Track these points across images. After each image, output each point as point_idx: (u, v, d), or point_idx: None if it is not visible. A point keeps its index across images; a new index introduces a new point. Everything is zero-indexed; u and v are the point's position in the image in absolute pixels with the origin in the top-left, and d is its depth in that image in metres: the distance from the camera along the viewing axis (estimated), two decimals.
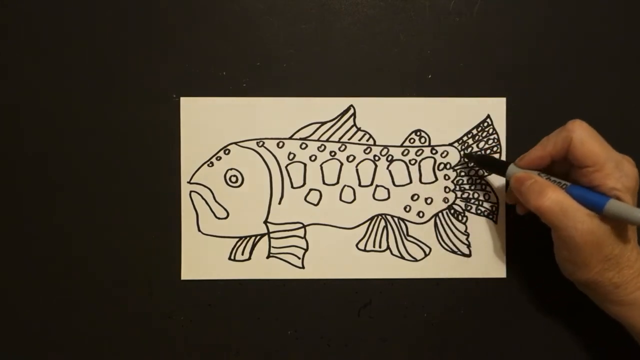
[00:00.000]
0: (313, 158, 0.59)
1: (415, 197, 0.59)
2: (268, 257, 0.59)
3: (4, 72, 0.58)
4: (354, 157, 0.59)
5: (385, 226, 0.59)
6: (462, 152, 0.59)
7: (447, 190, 0.60)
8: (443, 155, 0.59)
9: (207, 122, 0.58)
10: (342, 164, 0.59)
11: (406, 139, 0.59)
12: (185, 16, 0.58)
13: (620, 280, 0.47)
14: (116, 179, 0.58)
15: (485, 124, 0.59)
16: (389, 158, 0.59)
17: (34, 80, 0.58)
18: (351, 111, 0.59)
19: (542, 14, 0.59)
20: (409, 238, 0.59)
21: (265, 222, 0.59)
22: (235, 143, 0.59)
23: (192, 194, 0.58)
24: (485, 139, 0.59)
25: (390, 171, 0.59)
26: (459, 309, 0.59)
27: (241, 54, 0.58)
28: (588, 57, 0.59)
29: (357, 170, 0.59)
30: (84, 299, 0.58)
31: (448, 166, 0.59)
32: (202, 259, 0.59)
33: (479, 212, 0.59)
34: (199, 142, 0.58)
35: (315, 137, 0.59)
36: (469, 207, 0.59)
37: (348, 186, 0.59)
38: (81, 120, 0.58)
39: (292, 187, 0.59)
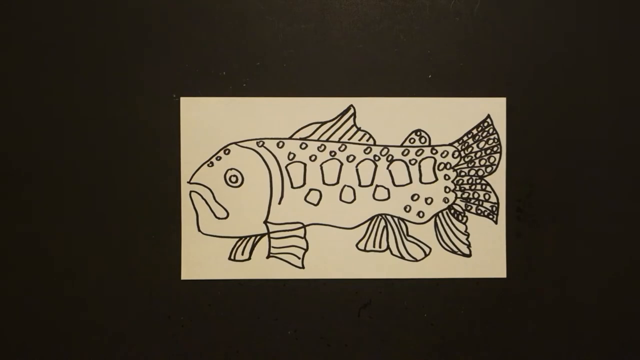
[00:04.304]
0: (313, 158, 0.59)
1: (415, 197, 0.59)
2: (268, 257, 0.59)
3: (4, 72, 0.58)
4: (354, 157, 0.59)
5: (385, 226, 0.59)
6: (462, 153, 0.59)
7: (447, 190, 0.59)
8: (443, 155, 0.59)
9: (207, 122, 0.58)
10: (342, 164, 0.59)
11: (406, 139, 0.59)
12: (185, 16, 0.58)
13: None
14: (116, 178, 0.58)
15: (485, 124, 0.59)
16: (389, 158, 0.59)
17: (34, 80, 0.58)
18: (351, 111, 0.59)
19: (542, 14, 0.59)
20: (409, 238, 0.59)
21: (265, 222, 0.59)
22: (235, 143, 0.59)
23: (192, 194, 0.58)
24: (485, 139, 0.59)
25: (390, 171, 0.59)
26: (459, 309, 0.59)
27: (241, 54, 0.58)
28: (588, 57, 0.59)
29: (357, 170, 0.59)
30: (84, 299, 0.58)
31: (448, 166, 0.59)
32: (202, 259, 0.59)
33: (479, 212, 0.59)
34: (199, 142, 0.58)
35: (315, 137, 0.59)
36: (469, 207, 0.59)
37: (348, 186, 0.59)
38: (81, 120, 0.58)
39: (292, 187, 0.59)
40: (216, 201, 0.58)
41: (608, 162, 0.59)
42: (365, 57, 0.59)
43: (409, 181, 0.59)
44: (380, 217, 0.59)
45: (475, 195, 0.59)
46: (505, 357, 0.59)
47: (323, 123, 0.59)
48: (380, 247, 0.59)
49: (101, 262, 0.58)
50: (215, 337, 0.59)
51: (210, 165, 0.58)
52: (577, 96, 0.59)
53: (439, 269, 0.59)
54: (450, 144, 0.59)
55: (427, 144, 0.59)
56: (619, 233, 0.59)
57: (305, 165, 0.59)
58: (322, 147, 0.59)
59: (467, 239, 0.59)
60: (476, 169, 0.59)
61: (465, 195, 0.59)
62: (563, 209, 0.59)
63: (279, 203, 0.59)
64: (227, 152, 0.59)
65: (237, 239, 0.59)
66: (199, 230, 0.59)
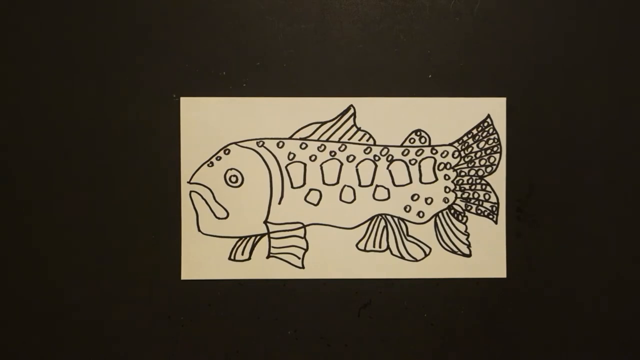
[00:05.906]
0: (313, 158, 0.59)
1: (415, 197, 0.59)
2: (268, 257, 0.59)
3: (4, 72, 0.58)
4: (354, 157, 0.59)
5: (385, 226, 0.59)
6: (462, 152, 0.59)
7: (447, 190, 0.60)
8: (443, 155, 0.59)
9: (207, 122, 0.58)
10: (342, 164, 0.59)
11: (406, 139, 0.59)
12: (185, 16, 0.58)
13: None
14: (116, 178, 0.58)
15: (485, 124, 0.59)
16: (389, 158, 0.59)
17: (34, 80, 0.58)
18: (351, 111, 0.59)
19: (542, 14, 0.59)
20: (409, 238, 0.59)
21: (265, 222, 0.59)
22: (235, 143, 0.59)
23: (192, 194, 0.58)
24: (485, 139, 0.59)
25: (390, 171, 0.59)
26: (459, 309, 0.59)
27: (241, 54, 0.58)
28: (588, 57, 0.59)
29: (357, 170, 0.59)
30: (84, 298, 0.58)
31: (448, 166, 0.59)
32: (202, 259, 0.59)
33: (479, 212, 0.59)
34: (199, 142, 0.58)
35: (315, 137, 0.59)
36: (469, 207, 0.59)
37: (348, 186, 0.59)
38: (81, 120, 0.58)
39: (292, 187, 0.59)
40: (216, 201, 0.58)
41: (608, 162, 0.59)
42: (365, 57, 0.59)
43: (409, 181, 0.59)
44: (380, 217, 0.59)
45: (475, 195, 0.59)
46: (505, 357, 0.59)
47: (323, 123, 0.59)
48: (380, 247, 0.59)
49: (101, 262, 0.58)
50: (215, 337, 0.59)
51: (210, 165, 0.59)
52: (577, 96, 0.59)
53: (439, 269, 0.59)
54: (450, 144, 0.59)
55: (427, 144, 0.59)
56: (619, 233, 0.59)
57: (305, 165, 0.59)
58: (322, 147, 0.59)
59: (467, 239, 0.59)
60: (476, 169, 0.59)
61: (465, 195, 0.60)
62: (563, 209, 0.59)
63: (279, 203, 0.59)
64: (227, 152, 0.59)
65: (237, 239, 0.59)
66: (199, 230, 0.59)
